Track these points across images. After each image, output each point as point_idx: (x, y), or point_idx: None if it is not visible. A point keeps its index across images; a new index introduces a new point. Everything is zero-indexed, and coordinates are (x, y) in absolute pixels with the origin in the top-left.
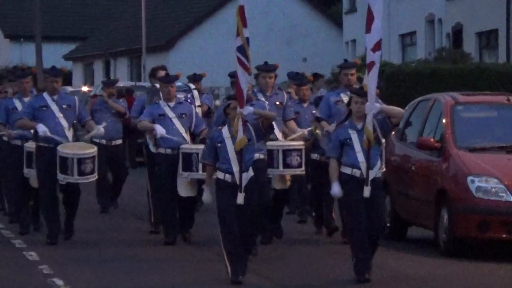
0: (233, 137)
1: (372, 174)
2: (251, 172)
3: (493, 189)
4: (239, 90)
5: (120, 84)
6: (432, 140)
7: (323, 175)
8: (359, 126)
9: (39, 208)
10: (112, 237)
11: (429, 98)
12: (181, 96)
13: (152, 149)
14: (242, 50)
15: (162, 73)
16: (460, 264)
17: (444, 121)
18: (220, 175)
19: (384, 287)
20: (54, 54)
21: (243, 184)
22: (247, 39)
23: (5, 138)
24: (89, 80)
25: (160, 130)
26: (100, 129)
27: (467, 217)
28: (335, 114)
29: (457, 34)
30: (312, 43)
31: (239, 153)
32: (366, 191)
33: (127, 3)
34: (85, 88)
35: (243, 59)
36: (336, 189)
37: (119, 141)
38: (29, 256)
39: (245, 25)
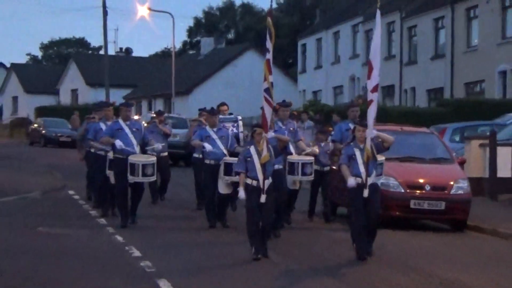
0: (258, 154)
1: (370, 180)
2: (270, 180)
3: (391, 184)
4: (264, 120)
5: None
6: None
7: (321, 181)
8: (361, 146)
9: (114, 199)
10: (168, 224)
11: None
12: (229, 124)
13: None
14: (268, 91)
15: (223, 108)
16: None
17: None
18: (248, 181)
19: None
20: (117, 96)
21: (265, 188)
22: (272, 83)
23: (92, 150)
24: (138, 112)
25: (208, 147)
26: (159, 145)
27: None
28: (345, 138)
29: None
30: (278, 91)
31: (263, 165)
32: (365, 193)
33: (162, 64)
34: (136, 117)
35: (268, 97)
36: (351, 181)
37: (166, 154)
38: (107, 228)
39: (270, 73)
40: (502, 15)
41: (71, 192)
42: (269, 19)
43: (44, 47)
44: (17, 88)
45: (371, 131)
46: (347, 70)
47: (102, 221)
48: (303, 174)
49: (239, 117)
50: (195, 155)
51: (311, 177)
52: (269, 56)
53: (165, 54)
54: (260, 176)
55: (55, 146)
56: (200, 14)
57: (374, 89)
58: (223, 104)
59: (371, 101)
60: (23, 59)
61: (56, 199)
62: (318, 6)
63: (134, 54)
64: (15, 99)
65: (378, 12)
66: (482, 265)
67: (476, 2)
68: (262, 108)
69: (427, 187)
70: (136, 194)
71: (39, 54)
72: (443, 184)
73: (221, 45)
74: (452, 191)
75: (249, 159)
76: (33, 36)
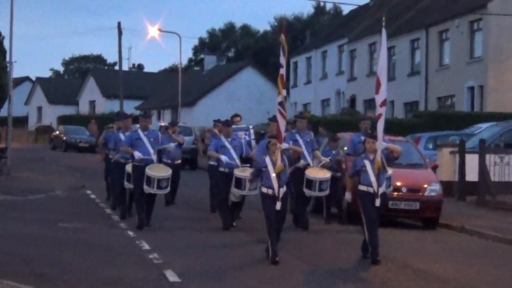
0: (273, 164)
1: (381, 190)
2: (285, 188)
3: None
4: (279, 131)
5: (164, 123)
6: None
7: (333, 185)
8: (371, 157)
9: (132, 204)
10: (178, 223)
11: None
12: (241, 133)
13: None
14: (281, 104)
15: (236, 118)
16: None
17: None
18: (264, 190)
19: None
20: (130, 107)
21: (280, 196)
22: (285, 97)
23: (114, 158)
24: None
25: (223, 157)
26: (172, 145)
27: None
28: (359, 150)
29: (353, 101)
30: (272, 102)
31: (278, 175)
32: (377, 202)
33: (170, 78)
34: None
35: (282, 110)
36: (347, 196)
37: (179, 161)
38: (120, 224)
39: (284, 87)
40: (470, 37)
41: (88, 191)
42: (282, 36)
43: (66, 63)
44: (42, 99)
45: (381, 143)
46: (334, 85)
47: (116, 217)
48: (320, 190)
49: (251, 126)
50: (211, 162)
51: (327, 192)
52: (283, 71)
53: (173, 69)
54: (275, 185)
55: (74, 151)
56: (204, 35)
57: (383, 104)
58: (236, 115)
59: (380, 115)
60: (47, 74)
61: (76, 198)
62: (308, 29)
63: (146, 69)
64: (39, 109)
65: (384, 31)
66: (450, 258)
67: (447, 26)
68: (276, 120)
69: (404, 189)
70: (150, 200)
71: (61, 69)
72: (417, 187)
73: (222, 62)
74: (426, 193)
75: (264, 169)
76: (56, 53)
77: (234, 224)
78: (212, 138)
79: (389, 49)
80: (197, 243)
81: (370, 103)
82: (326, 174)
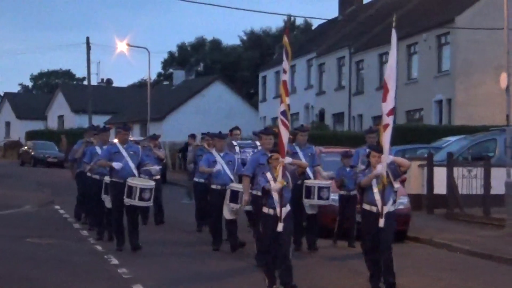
0: (275, 180)
1: (386, 209)
2: (288, 207)
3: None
4: (281, 144)
5: (132, 138)
6: None
7: (347, 205)
8: None
9: (109, 223)
10: (153, 238)
11: None
12: (250, 150)
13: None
14: (284, 113)
15: (236, 132)
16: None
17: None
18: (265, 209)
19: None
20: (99, 121)
21: (282, 216)
22: (289, 105)
23: (88, 174)
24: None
25: (215, 170)
26: (156, 167)
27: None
28: (363, 163)
29: (322, 115)
30: (241, 117)
31: (280, 192)
32: (381, 222)
33: (139, 93)
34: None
35: (285, 120)
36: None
37: (158, 177)
38: (89, 239)
39: (287, 95)
40: (438, 51)
41: (57, 207)
42: (285, 38)
43: (34, 78)
44: (10, 114)
45: (388, 156)
46: (302, 99)
47: (84, 232)
48: (319, 198)
49: (258, 143)
50: (196, 179)
51: (328, 202)
52: (286, 77)
53: (141, 84)
54: (277, 203)
55: (43, 166)
56: (174, 49)
57: (390, 112)
58: (236, 128)
59: (387, 125)
60: (15, 89)
61: (44, 213)
62: (278, 43)
63: (114, 84)
64: (8, 124)
65: (394, 33)
66: (419, 271)
67: (416, 40)
68: (269, 132)
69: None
70: (132, 218)
71: (30, 84)
72: None
73: (192, 77)
74: None
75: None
76: (25, 68)
77: (242, 241)
78: (200, 152)
79: (358, 63)
80: (167, 257)
81: (339, 117)
82: (326, 181)
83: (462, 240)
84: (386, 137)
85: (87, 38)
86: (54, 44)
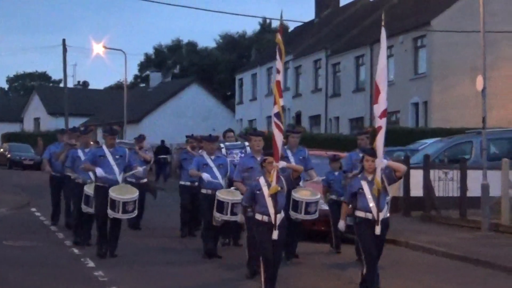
0: (269, 185)
1: (381, 216)
2: (282, 214)
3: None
4: (275, 148)
5: (126, 141)
6: None
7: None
8: (370, 178)
9: (90, 229)
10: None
11: None
12: (237, 150)
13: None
14: (278, 115)
15: (229, 134)
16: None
17: None
18: (258, 216)
19: None
20: (75, 124)
21: (277, 223)
22: (283, 107)
23: (72, 177)
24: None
25: (205, 176)
26: (141, 169)
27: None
28: (356, 168)
29: (298, 117)
30: (218, 119)
31: (274, 199)
32: (377, 230)
33: (115, 95)
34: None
35: (278, 122)
36: (341, 225)
37: (145, 180)
38: (65, 242)
39: (280, 96)
40: (414, 54)
41: (33, 209)
42: (279, 36)
43: (10, 80)
44: None
45: (382, 160)
46: None
47: (61, 235)
48: (306, 213)
49: (246, 143)
50: (182, 182)
51: (315, 216)
52: (279, 77)
53: (118, 86)
54: (271, 210)
55: (19, 168)
56: (150, 51)
57: (383, 114)
58: (229, 130)
59: (380, 127)
60: None
61: (21, 216)
62: (254, 46)
63: (91, 86)
64: None
65: (383, 31)
66: (398, 273)
67: (392, 43)
68: (258, 134)
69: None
70: (115, 225)
71: (5, 86)
72: None
73: (168, 79)
74: None
75: (258, 192)
76: (1, 70)
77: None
78: (184, 156)
79: (334, 65)
80: (143, 261)
81: (315, 120)
82: (315, 196)
83: (439, 242)
84: (379, 140)
85: (63, 40)
86: (30, 46)
